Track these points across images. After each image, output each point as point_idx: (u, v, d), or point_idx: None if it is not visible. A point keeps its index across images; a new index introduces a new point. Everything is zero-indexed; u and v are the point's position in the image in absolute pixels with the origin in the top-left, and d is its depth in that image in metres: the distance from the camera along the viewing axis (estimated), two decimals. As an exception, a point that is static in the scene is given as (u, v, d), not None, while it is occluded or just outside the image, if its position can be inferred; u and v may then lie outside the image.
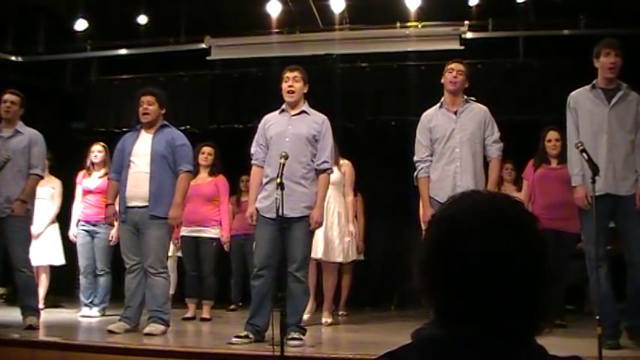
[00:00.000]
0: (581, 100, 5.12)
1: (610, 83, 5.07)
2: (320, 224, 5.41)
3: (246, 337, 5.07)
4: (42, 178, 6.35)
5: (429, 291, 1.26)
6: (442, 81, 5.45)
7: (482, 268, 1.19)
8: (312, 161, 5.36)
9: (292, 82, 5.41)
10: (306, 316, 5.30)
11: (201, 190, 7.35)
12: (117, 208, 5.99)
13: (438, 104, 5.47)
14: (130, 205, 5.78)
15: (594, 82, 5.13)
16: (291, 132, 5.35)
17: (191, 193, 6.51)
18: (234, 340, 5.03)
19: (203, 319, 7.11)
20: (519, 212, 1.28)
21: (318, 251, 6.64)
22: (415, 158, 5.47)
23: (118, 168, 5.96)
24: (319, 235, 6.44)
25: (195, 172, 6.90)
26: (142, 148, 5.85)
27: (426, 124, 5.45)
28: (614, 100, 5.04)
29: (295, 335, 5.08)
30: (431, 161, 5.38)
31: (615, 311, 4.92)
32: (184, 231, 7.48)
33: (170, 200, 5.78)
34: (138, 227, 5.76)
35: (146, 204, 5.72)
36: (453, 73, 5.37)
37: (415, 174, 5.47)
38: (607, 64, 5.03)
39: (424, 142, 5.42)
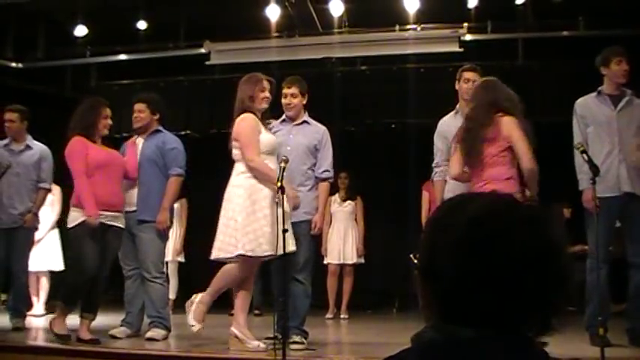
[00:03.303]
0: (587, 107, 5.25)
1: (616, 89, 5.24)
2: (320, 229, 5.48)
3: (275, 337, 5.04)
4: (50, 191, 6.53)
5: (436, 293, 1.25)
6: (457, 87, 5.47)
7: (515, 267, 1.18)
8: (311, 170, 5.44)
9: (290, 99, 5.51)
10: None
11: None
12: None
13: (454, 111, 5.49)
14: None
15: (600, 88, 5.28)
16: (293, 141, 5.45)
17: None
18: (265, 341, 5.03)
19: None
20: (537, 210, 1.28)
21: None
22: (433, 164, 5.52)
23: None
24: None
25: None
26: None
27: (441, 130, 5.49)
28: (620, 105, 5.20)
29: (297, 339, 5.11)
30: (447, 166, 5.42)
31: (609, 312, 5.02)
32: None
33: (160, 204, 5.79)
34: (131, 231, 5.79)
35: (135, 208, 5.76)
36: (469, 84, 5.38)
37: (431, 177, 5.53)
38: (621, 71, 5.21)
39: (440, 147, 5.46)
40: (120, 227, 5.56)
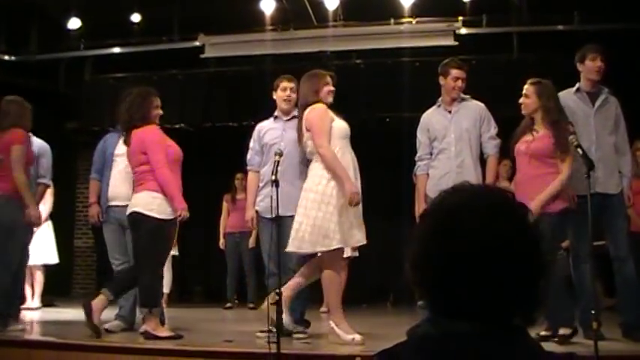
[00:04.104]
0: (566, 102, 5.27)
1: (593, 87, 5.28)
2: None
3: (269, 331, 5.10)
4: (49, 186, 6.52)
5: (422, 285, 1.26)
6: (442, 83, 5.47)
7: (483, 257, 1.18)
8: (304, 165, 5.44)
9: (290, 93, 5.61)
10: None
11: None
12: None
13: (437, 104, 5.52)
14: (112, 204, 5.85)
15: (578, 85, 5.33)
16: (286, 137, 5.52)
17: None
18: (257, 334, 5.14)
19: None
20: (513, 202, 1.28)
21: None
22: (416, 157, 5.55)
23: (99, 168, 6.02)
24: None
25: None
26: (124, 148, 5.87)
27: (423, 124, 5.53)
28: (597, 103, 5.25)
29: (299, 329, 5.25)
30: (429, 159, 5.45)
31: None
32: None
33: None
34: (122, 225, 5.79)
35: (128, 202, 5.73)
36: (459, 83, 5.40)
37: (414, 171, 5.55)
38: (594, 67, 5.23)
39: (423, 140, 5.51)
40: None
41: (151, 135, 5.32)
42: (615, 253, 5.11)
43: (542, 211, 4.81)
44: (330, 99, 5.26)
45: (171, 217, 5.23)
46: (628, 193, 5.23)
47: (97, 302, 5.20)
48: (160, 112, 5.54)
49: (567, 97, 5.28)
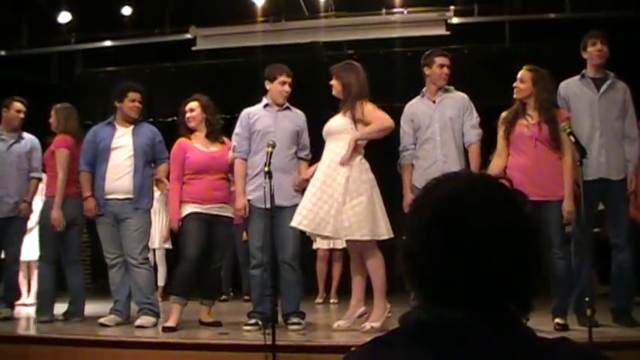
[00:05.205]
0: (571, 89, 5.29)
1: (598, 72, 5.26)
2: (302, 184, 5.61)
3: (256, 324, 5.20)
4: (41, 180, 6.66)
5: (416, 275, 1.25)
6: (427, 73, 5.48)
7: (482, 245, 1.18)
8: (294, 153, 5.55)
9: (287, 88, 5.60)
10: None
11: None
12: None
13: (420, 94, 5.54)
14: (109, 197, 5.81)
15: (583, 72, 5.32)
16: (278, 126, 5.51)
17: None
18: (246, 327, 5.22)
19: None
20: (510, 190, 1.28)
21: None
22: (400, 147, 5.55)
23: (90, 160, 5.93)
24: None
25: None
26: (121, 141, 5.88)
27: (408, 114, 5.54)
28: (603, 89, 5.22)
29: (295, 320, 5.28)
30: (414, 149, 5.46)
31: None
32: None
33: (150, 192, 5.97)
34: (118, 218, 5.80)
35: (127, 196, 5.78)
36: (445, 70, 5.42)
37: (398, 161, 5.56)
38: (595, 51, 5.23)
39: (407, 130, 5.51)
40: (228, 216, 5.79)
41: (172, 149, 5.76)
42: (615, 240, 5.12)
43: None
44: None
45: (184, 215, 5.58)
46: (631, 178, 5.20)
47: (203, 313, 5.77)
48: (189, 114, 5.74)
49: (572, 83, 5.30)
